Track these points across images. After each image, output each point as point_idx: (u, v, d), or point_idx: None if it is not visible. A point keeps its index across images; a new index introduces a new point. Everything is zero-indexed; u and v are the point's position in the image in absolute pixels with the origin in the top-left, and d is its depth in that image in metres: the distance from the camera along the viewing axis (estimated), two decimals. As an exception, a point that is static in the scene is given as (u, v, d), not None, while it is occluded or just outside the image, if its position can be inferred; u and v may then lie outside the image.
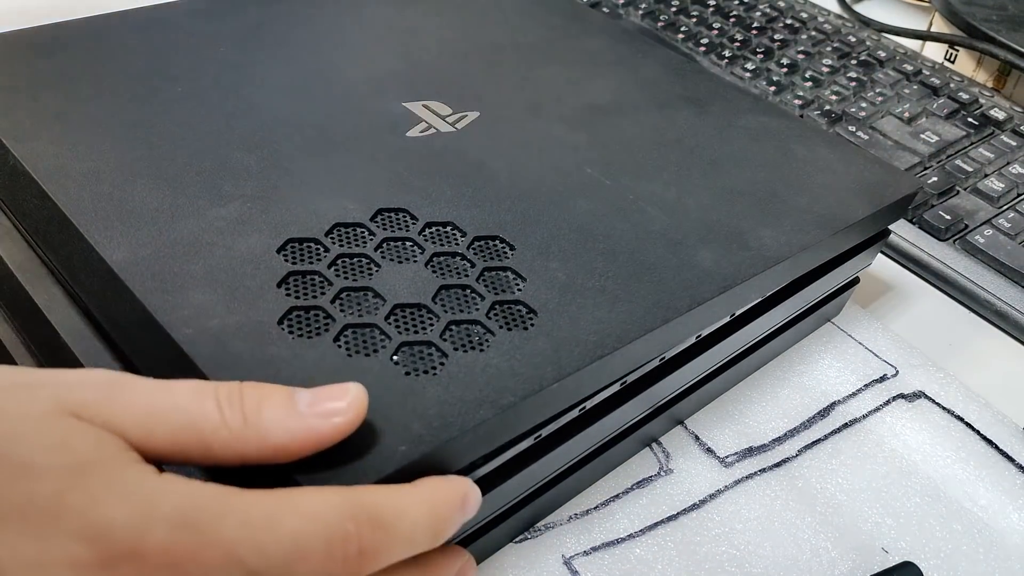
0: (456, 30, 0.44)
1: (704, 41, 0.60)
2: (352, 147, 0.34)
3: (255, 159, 0.32)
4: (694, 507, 0.34)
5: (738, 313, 0.34)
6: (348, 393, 0.23)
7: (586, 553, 0.32)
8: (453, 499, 0.24)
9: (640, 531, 0.33)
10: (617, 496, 0.34)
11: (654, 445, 0.36)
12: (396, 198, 0.32)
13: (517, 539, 0.32)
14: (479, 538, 0.29)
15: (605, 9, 0.64)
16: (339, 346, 0.26)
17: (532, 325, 0.28)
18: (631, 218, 0.33)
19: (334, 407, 0.22)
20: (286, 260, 0.28)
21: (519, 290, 0.29)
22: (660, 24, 0.62)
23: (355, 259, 0.29)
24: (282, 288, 0.27)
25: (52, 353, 0.31)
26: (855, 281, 0.42)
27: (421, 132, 0.36)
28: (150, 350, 0.26)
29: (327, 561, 0.21)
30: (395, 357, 0.26)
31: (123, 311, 0.26)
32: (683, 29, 0.61)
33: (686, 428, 0.37)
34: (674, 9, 0.64)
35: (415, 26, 0.44)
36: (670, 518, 0.33)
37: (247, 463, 0.22)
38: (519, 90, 0.40)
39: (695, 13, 0.63)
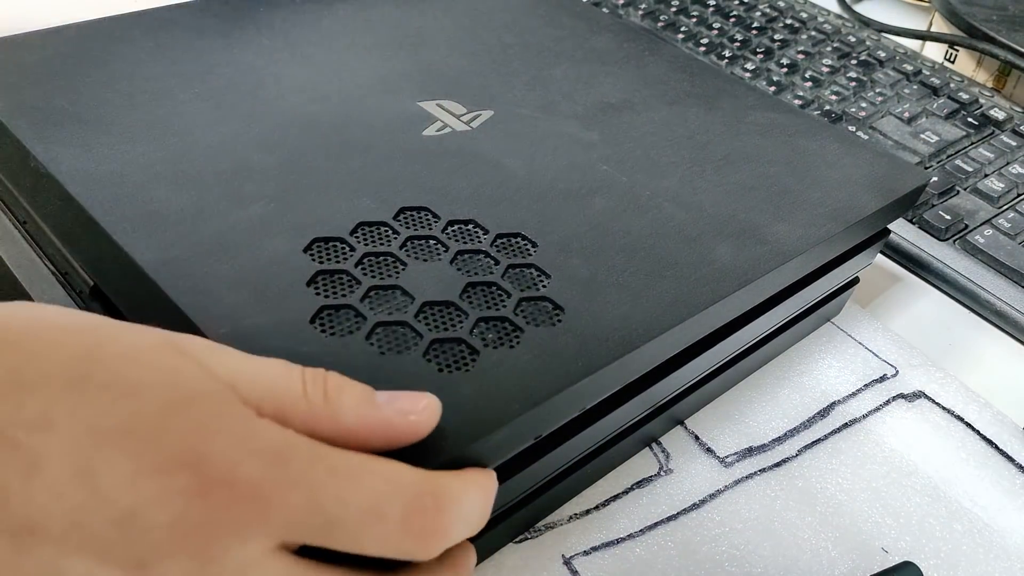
0: (466, 30, 0.44)
1: (704, 41, 0.60)
2: (369, 147, 0.34)
3: (274, 160, 0.32)
4: (694, 507, 0.34)
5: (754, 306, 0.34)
6: (423, 399, 0.23)
7: (586, 553, 0.32)
8: (492, 487, 0.24)
9: (640, 531, 0.33)
10: (617, 496, 0.34)
11: (654, 445, 0.36)
12: (417, 196, 0.32)
13: (517, 539, 0.32)
14: (480, 537, 0.29)
15: (605, 9, 0.64)
16: (371, 344, 0.26)
17: (559, 321, 0.28)
18: (648, 215, 0.33)
19: (410, 406, 0.23)
20: (313, 259, 0.28)
21: (544, 287, 0.29)
22: (660, 24, 0.62)
23: (381, 257, 0.29)
24: (311, 287, 0.27)
25: None
26: (855, 281, 0.42)
27: (437, 131, 0.36)
28: None
29: (402, 528, 0.21)
30: (427, 354, 0.26)
31: (156, 312, 0.27)
32: (683, 29, 0.61)
33: (686, 428, 0.37)
34: (674, 9, 0.64)
35: (426, 26, 0.44)
36: (670, 518, 0.33)
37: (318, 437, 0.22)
38: (531, 89, 0.40)
39: (695, 13, 0.63)
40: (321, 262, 0.28)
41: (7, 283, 0.32)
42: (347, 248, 0.29)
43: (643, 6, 0.64)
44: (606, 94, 0.41)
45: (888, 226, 0.40)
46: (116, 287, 0.28)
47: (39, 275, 0.31)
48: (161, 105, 0.35)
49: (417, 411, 0.23)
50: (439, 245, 0.30)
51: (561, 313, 0.28)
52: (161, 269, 0.27)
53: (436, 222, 0.31)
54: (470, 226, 0.31)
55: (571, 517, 0.33)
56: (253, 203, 0.30)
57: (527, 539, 0.32)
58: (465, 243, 0.30)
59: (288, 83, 0.37)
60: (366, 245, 0.29)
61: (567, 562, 0.31)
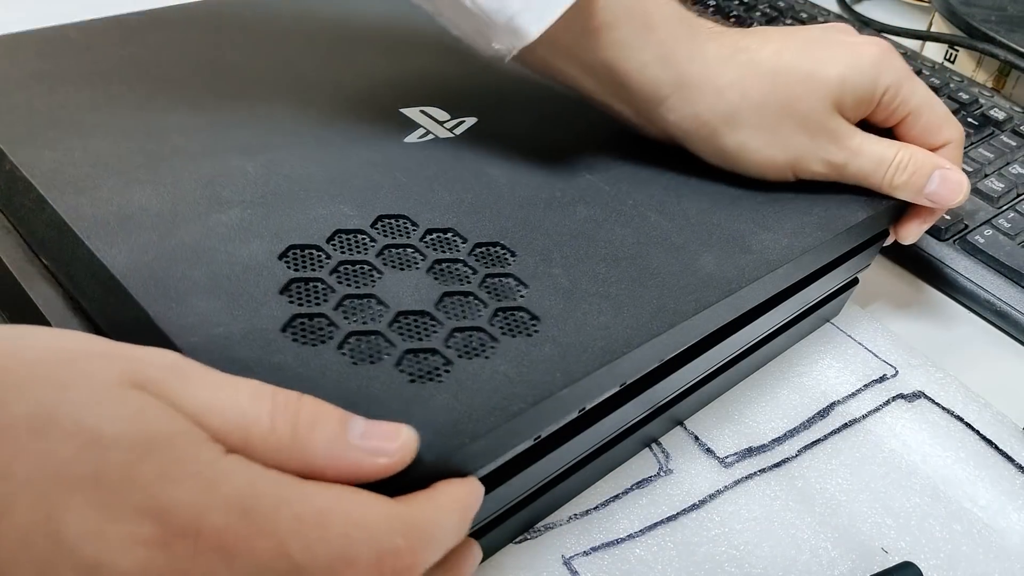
0: (449, 37, 0.44)
1: (704, 41, 0.60)
2: (350, 153, 0.34)
3: (254, 165, 0.32)
4: (694, 507, 0.34)
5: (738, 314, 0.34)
6: (400, 436, 0.23)
7: (586, 553, 0.32)
8: (472, 501, 0.24)
9: (640, 531, 0.33)
10: (617, 496, 0.34)
11: (654, 445, 0.36)
12: (396, 205, 0.32)
13: (517, 539, 0.32)
14: (479, 538, 0.29)
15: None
16: (343, 354, 0.26)
17: (536, 332, 0.28)
18: (632, 224, 0.33)
19: (383, 447, 0.22)
20: (288, 267, 0.28)
21: (521, 296, 0.29)
22: (660, 24, 0.62)
23: (357, 266, 0.29)
24: (285, 295, 0.27)
25: None
26: (854, 282, 0.42)
27: (419, 138, 0.36)
28: None
29: (374, 571, 0.21)
30: (400, 365, 0.26)
31: (126, 318, 0.26)
32: (683, 29, 0.61)
33: (686, 428, 0.37)
34: (674, 9, 0.64)
35: (412, 32, 0.44)
36: (670, 518, 0.33)
37: (284, 472, 0.22)
38: (515, 95, 0.40)
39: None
40: (296, 269, 0.28)
41: (5, 283, 0.32)
42: (323, 255, 0.29)
43: (643, 6, 0.64)
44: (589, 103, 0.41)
45: (887, 228, 0.40)
46: (89, 294, 0.28)
47: (37, 275, 0.31)
48: (142, 109, 0.34)
49: (390, 452, 0.22)
50: (416, 254, 0.30)
51: (538, 323, 0.28)
52: (132, 275, 0.26)
53: (414, 230, 0.31)
54: (449, 235, 0.31)
55: (571, 517, 0.33)
56: (230, 208, 0.30)
57: (527, 539, 0.32)
58: (443, 252, 0.30)
59: (271, 88, 0.37)
60: (342, 253, 0.29)
61: (567, 562, 0.31)
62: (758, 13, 0.64)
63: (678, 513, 0.34)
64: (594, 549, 0.32)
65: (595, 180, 0.35)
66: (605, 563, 0.32)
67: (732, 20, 0.63)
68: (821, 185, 0.37)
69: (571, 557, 0.32)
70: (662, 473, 0.35)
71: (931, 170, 0.37)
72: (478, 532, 0.29)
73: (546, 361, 0.27)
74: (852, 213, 0.36)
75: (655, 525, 0.33)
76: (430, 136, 0.36)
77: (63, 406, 0.20)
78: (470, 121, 0.37)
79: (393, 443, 0.22)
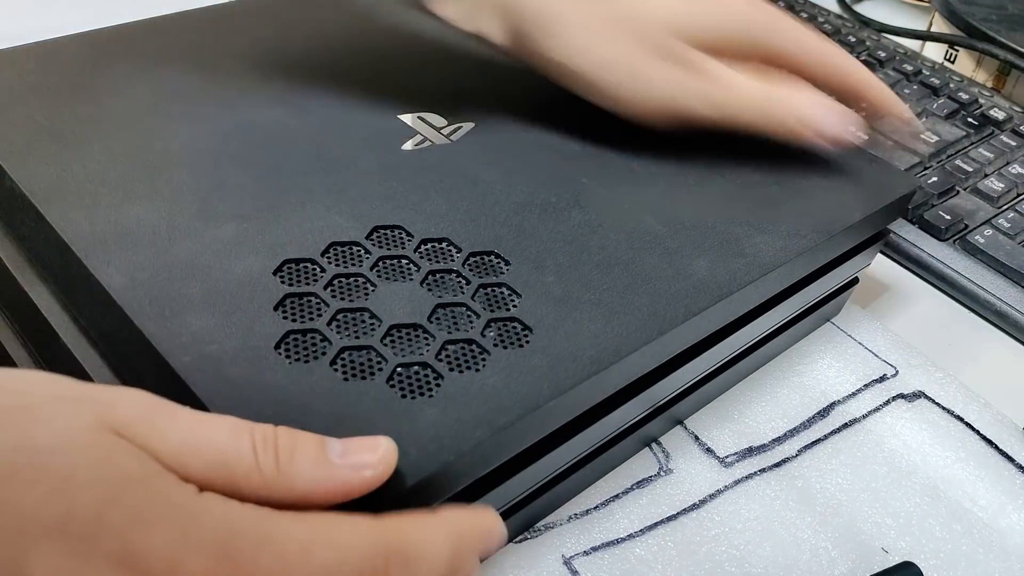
0: (449, 41, 0.44)
1: (704, 41, 0.60)
2: (347, 162, 0.34)
3: (250, 177, 0.32)
4: (694, 507, 0.34)
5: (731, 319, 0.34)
6: (379, 447, 0.23)
7: (586, 553, 0.32)
8: (475, 534, 0.24)
9: (640, 531, 0.33)
10: (617, 496, 0.34)
11: (654, 445, 0.36)
12: (391, 215, 0.32)
13: (517, 539, 0.32)
14: None
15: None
16: (336, 370, 0.26)
17: (528, 342, 0.28)
18: (626, 228, 0.33)
19: (365, 460, 0.22)
20: (283, 282, 0.28)
21: (514, 306, 0.29)
22: (660, 24, 0.62)
23: (351, 279, 0.29)
24: (279, 311, 0.27)
25: (52, 357, 0.31)
26: (854, 281, 0.42)
27: (416, 145, 0.36)
28: (149, 374, 0.26)
29: None
30: (391, 380, 0.26)
31: (122, 336, 0.27)
32: (683, 29, 0.61)
33: (686, 428, 0.37)
34: (674, 9, 0.64)
35: (408, 36, 0.44)
36: (670, 518, 0.33)
37: (271, 505, 0.22)
38: (514, 99, 0.40)
39: (695, 13, 0.63)
40: (290, 284, 0.28)
41: (6, 284, 0.32)
42: (318, 269, 0.29)
43: (643, 6, 0.64)
44: (589, 104, 0.40)
45: (887, 227, 0.40)
46: (85, 310, 0.28)
47: (37, 279, 0.31)
48: (140, 122, 0.34)
49: (373, 464, 0.22)
50: (411, 265, 0.30)
51: (530, 333, 0.28)
52: (128, 293, 0.27)
53: (409, 241, 0.31)
54: (443, 244, 0.31)
55: (571, 517, 0.33)
56: (226, 223, 0.30)
57: (527, 539, 0.32)
58: (437, 262, 0.30)
59: (268, 96, 0.37)
60: (337, 266, 0.29)
61: (567, 562, 0.31)
62: (758, 13, 0.64)
63: (678, 513, 0.34)
64: (594, 549, 0.32)
65: (591, 184, 0.35)
66: (605, 563, 0.32)
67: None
68: (818, 184, 0.37)
69: (571, 557, 0.32)
70: (662, 473, 0.35)
71: (819, 105, 0.36)
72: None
73: (535, 372, 0.27)
74: (849, 214, 0.36)
75: (655, 525, 0.33)
76: (427, 143, 0.36)
77: (28, 453, 0.19)
78: (468, 126, 0.37)
79: (374, 454, 0.22)
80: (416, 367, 0.26)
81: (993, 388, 0.40)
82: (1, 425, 0.20)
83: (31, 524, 0.19)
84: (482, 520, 0.24)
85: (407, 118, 0.37)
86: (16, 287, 0.31)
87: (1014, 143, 0.53)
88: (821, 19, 0.63)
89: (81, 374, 0.28)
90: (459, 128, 0.37)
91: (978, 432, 0.38)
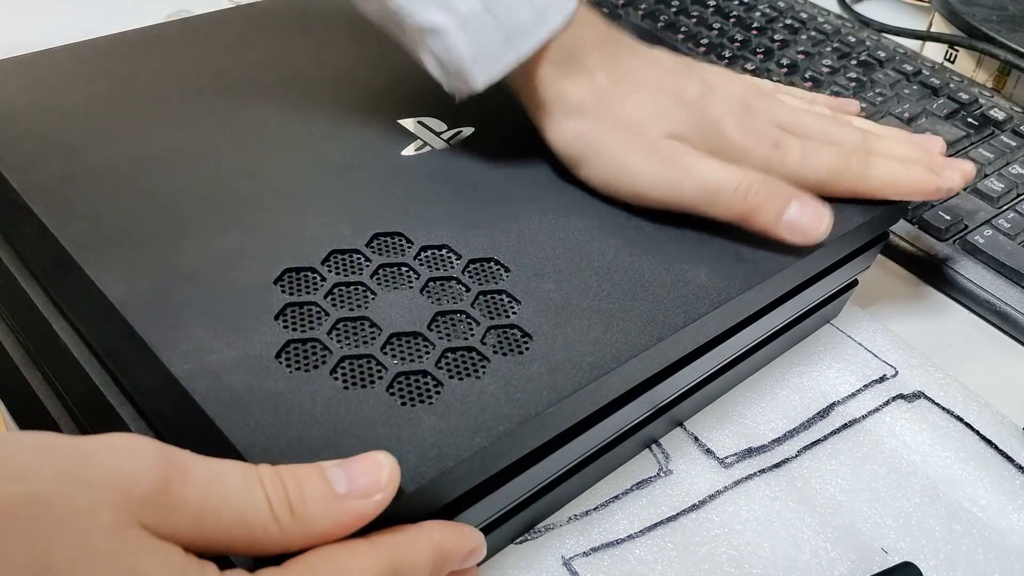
0: None
1: (704, 41, 0.60)
2: (348, 169, 0.34)
3: (252, 186, 0.32)
4: (694, 508, 0.34)
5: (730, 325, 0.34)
6: (384, 467, 0.23)
7: (586, 554, 0.32)
8: (459, 551, 0.24)
9: (640, 532, 0.33)
10: (617, 497, 0.34)
11: (654, 446, 0.36)
12: (392, 221, 0.32)
13: (517, 540, 0.32)
14: None
15: (605, 10, 0.64)
16: (336, 378, 0.26)
17: (527, 349, 0.28)
18: (625, 235, 0.33)
19: (373, 483, 0.22)
20: (283, 291, 0.28)
21: (514, 314, 0.29)
22: (660, 24, 0.62)
23: (351, 287, 0.29)
24: (279, 320, 0.27)
25: (54, 363, 0.31)
26: (854, 283, 0.42)
27: (416, 150, 0.36)
28: (150, 383, 0.26)
29: None
30: (391, 388, 0.26)
31: (124, 345, 0.27)
32: (683, 29, 0.61)
33: (685, 429, 0.37)
34: (674, 9, 0.64)
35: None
36: (670, 519, 0.33)
37: (289, 552, 0.22)
38: (514, 103, 0.40)
39: (695, 13, 0.63)
40: (291, 294, 0.28)
41: (8, 287, 0.32)
42: (318, 278, 0.29)
43: (643, 6, 0.64)
44: None
45: (887, 230, 0.40)
46: (88, 320, 0.28)
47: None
48: (143, 130, 0.34)
49: (383, 487, 0.22)
50: (411, 272, 0.30)
51: (530, 340, 0.28)
52: (130, 303, 0.27)
53: (409, 248, 0.31)
54: (443, 251, 0.31)
55: (571, 518, 0.33)
56: (228, 233, 0.30)
57: (527, 540, 0.32)
58: (437, 270, 0.30)
59: (269, 103, 0.37)
60: (337, 274, 0.29)
61: (567, 563, 0.31)
62: (758, 13, 0.64)
63: (678, 513, 0.34)
64: (594, 550, 0.32)
65: (589, 189, 0.35)
66: (605, 563, 0.32)
67: (732, 20, 0.63)
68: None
69: (571, 558, 0.32)
70: (662, 474, 0.35)
71: (787, 199, 0.33)
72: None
73: (534, 379, 0.27)
74: (848, 218, 0.36)
75: (655, 525, 0.33)
76: (427, 148, 0.36)
77: (58, 563, 0.19)
78: (467, 131, 0.37)
79: (380, 475, 0.22)
80: (416, 375, 0.26)
81: (993, 388, 0.40)
82: (18, 534, 0.19)
83: None
84: (467, 540, 0.25)
85: (407, 123, 0.37)
86: (19, 294, 0.31)
87: (1014, 143, 0.53)
88: (821, 19, 0.63)
89: (83, 380, 0.28)
90: (459, 133, 0.37)
91: (978, 432, 0.38)
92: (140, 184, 0.32)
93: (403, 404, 0.25)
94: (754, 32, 0.62)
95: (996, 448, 0.38)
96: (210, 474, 0.21)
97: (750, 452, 0.36)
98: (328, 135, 0.36)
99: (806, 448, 0.37)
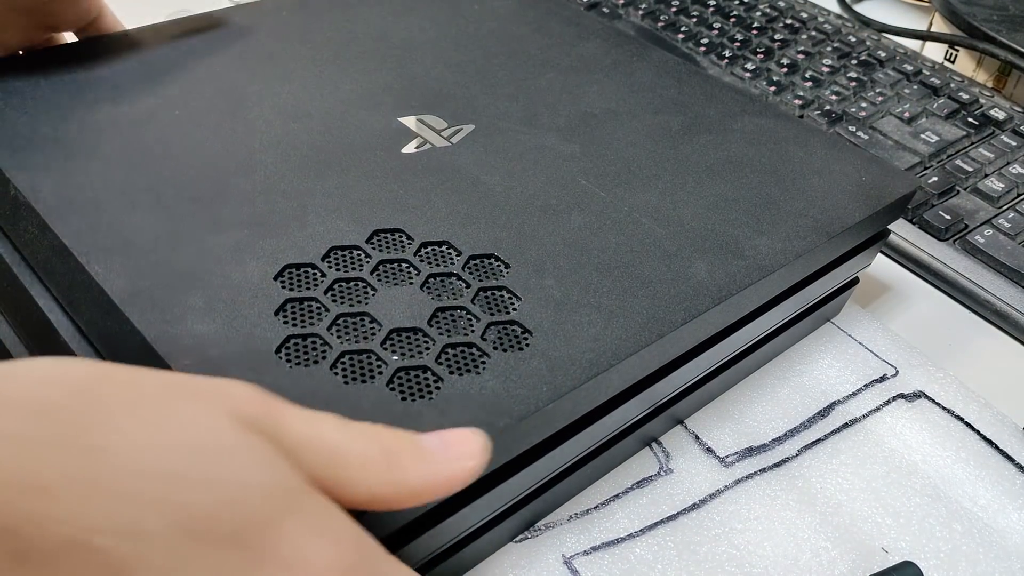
0: (452, 39, 0.44)
1: (704, 41, 0.60)
2: (348, 166, 0.34)
3: (252, 183, 0.32)
4: (694, 507, 0.34)
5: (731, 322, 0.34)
6: (476, 437, 0.23)
7: (586, 553, 0.32)
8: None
9: (640, 531, 0.33)
10: (617, 496, 0.34)
11: (654, 445, 0.36)
12: (392, 218, 0.32)
13: (517, 539, 0.32)
14: (479, 537, 0.29)
15: (605, 9, 0.64)
16: (336, 373, 0.26)
17: (527, 345, 0.28)
18: (626, 231, 0.33)
19: (466, 450, 0.22)
20: (283, 287, 0.28)
21: (514, 310, 0.29)
22: (660, 24, 0.62)
23: (351, 283, 0.29)
24: (279, 316, 0.27)
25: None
26: (854, 281, 0.42)
27: (416, 148, 0.36)
28: None
29: None
30: (391, 383, 0.26)
31: (124, 341, 0.27)
32: (683, 29, 0.61)
33: (686, 428, 0.37)
34: (674, 9, 0.64)
35: (409, 38, 0.44)
36: (670, 518, 0.33)
37: (374, 507, 0.22)
38: (514, 100, 0.40)
39: (695, 13, 0.63)
40: (291, 289, 0.28)
41: (4, 279, 0.32)
42: (318, 274, 0.29)
43: (643, 6, 0.64)
44: (590, 104, 0.41)
45: (887, 227, 0.40)
46: (88, 317, 0.28)
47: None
48: (143, 128, 0.34)
49: (475, 455, 0.22)
50: (411, 268, 0.30)
51: (530, 336, 0.28)
52: (131, 299, 0.27)
53: (409, 244, 0.31)
54: (443, 248, 0.31)
55: (571, 517, 0.33)
56: (228, 230, 0.30)
57: (527, 539, 0.32)
58: (437, 266, 0.30)
59: (270, 101, 0.37)
60: (337, 270, 0.29)
61: (567, 562, 0.31)
62: (758, 13, 0.64)
63: (678, 512, 0.34)
64: (594, 548, 0.32)
65: (591, 186, 0.35)
66: (605, 562, 0.32)
67: (732, 20, 0.63)
68: (817, 185, 0.37)
69: (571, 556, 0.32)
70: (662, 473, 0.35)
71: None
72: (478, 531, 0.29)
73: (534, 375, 0.27)
74: (849, 214, 0.36)
75: (655, 524, 0.33)
76: (427, 145, 0.36)
77: (187, 456, 0.19)
78: (468, 128, 0.37)
79: (475, 444, 0.23)
80: (416, 370, 0.26)
81: (993, 388, 0.40)
82: (149, 427, 0.19)
83: (199, 533, 0.18)
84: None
85: (407, 121, 0.37)
86: (19, 290, 0.31)
87: (1014, 143, 0.53)
88: (821, 19, 0.63)
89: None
90: (459, 130, 0.37)
91: (978, 432, 0.38)
92: (145, 180, 0.32)
93: (403, 399, 0.25)
94: (754, 32, 0.62)
95: (996, 448, 0.38)
96: (307, 413, 0.21)
97: (751, 451, 0.36)
98: (327, 132, 0.36)
99: (807, 447, 0.37)
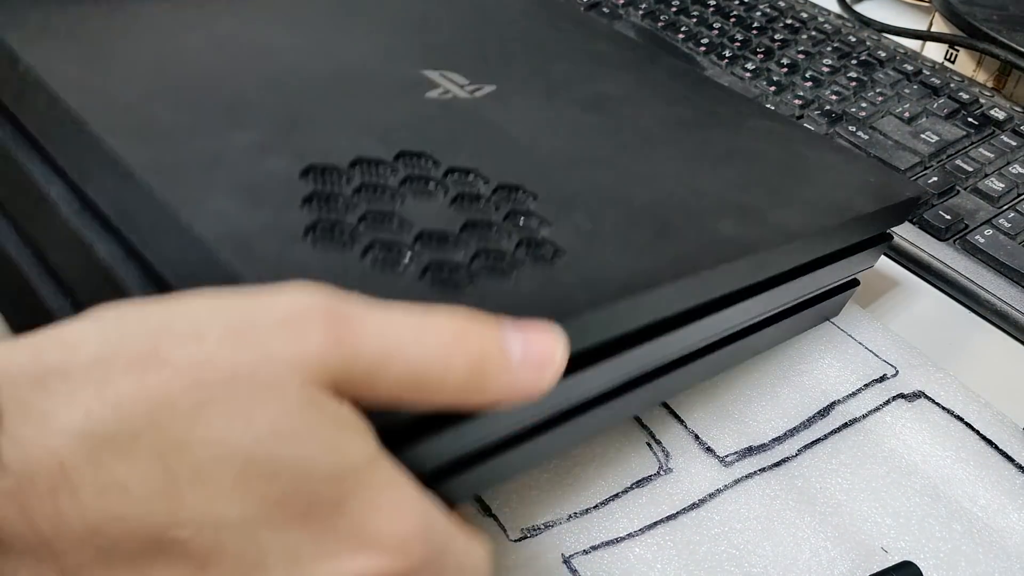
0: (468, 26, 0.44)
1: (704, 41, 0.60)
2: (373, 99, 0.34)
3: (274, 98, 0.32)
4: (694, 506, 0.34)
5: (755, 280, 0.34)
6: (558, 342, 0.22)
7: (585, 552, 0.32)
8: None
9: (640, 530, 0.33)
10: (617, 495, 0.34)
11: (653, 444, 0.36)
12: (418, 143, 0.31)
13: (516, 538, 0.32)
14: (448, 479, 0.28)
15: (605, 9, 0.64)
16: (366, 260, 0.25)
17: (559, 261, 0.28)
18: (650, 187, 0.33)
19: (548, 357, 0.22)
20: (308, 183, 0.28)
21: (545, 231, 0.29)
22: (660, 24, 0.62)
23: (379, 190, 0.28)
24: (306, 207, 0.26)
25: (48, 235, 0.30)
26: (855, 283, 0.42)
27: (440, 95, 0.36)
28: (173, 253, 0.25)
29: None
30: (423, 276, 0.25)
31: (145, 215, 0.26)
32: (683, 29, 0.61)
33: (686, 427, 0.37)
34: (674, 9, 0.64)
35: (429, 9, 0.44)
36: (670, 517, 0.33)
37: (451, 411, 0.22)
38: (533, 77, 0.40)
39: (695, 13, 0.63)
40: (318, 185, 0.27)
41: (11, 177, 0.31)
42: (344, 178, 0.28)
43: (643, 6, 0.64)
44: (606, 89, 0.41)
45: (890, 231, 0.40)
46: (105, 193, 0.27)
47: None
48: (168, 36, 0.34)
49: (555, 361, 0.22)
50: (439, 186, 0.29)
51: (562, 255, 0.28)
52: (153, 172, 0.26)
53: (436, 168, 0.30)
54: (470, 176, 0.30)
55: (570, 516, 0.33)
56: (250, 129, 0.29)
57: (526, 538, 0.32)
58: (464, 188, 0.30)
59: (293, 43, 0.37)
60: (364, 177, 0.29)
61: (566, 561, 0.31)
62: (758, 13, 0.64)
63: (678, 512, 0.34)
64: (594, 548, 0.32)
65: (613, 150, 0.35)
66: (605, 562, 0.32)
67: (732, 20, 0.63)
68: (828, 181, 0.38)
69: (571, 556, 0.32)
70: (662, 472, 0.35)
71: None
72: (441, 474, 0.27)
73: (570, 286, 0.27)
74: (859, 206, 0.36)
75: (655, 524, 0.33)
76: (450, 94, 0.36)
77: (258, 445, 0.19)
78: (488, 88, 0.37)
79: (556, 350, 0.22)
80: (449, 266, 0.26)
81: (993, 388, 0.40)
82: (219, 409, 0.19)
83: (278, 518, 0.19)
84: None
85: (429, 73, 0.37)
86: (13, 167, 0.30)
87: (1014, 143, 0.53)
88: (821, 19, 0.63)
89: (85, 252, 0.28)
90: (479, 88, 0.37)
91: (978, 432, 0.38)
92: (165, 82, 0.31)
93: (435, 289, 0.25)
94: (754, 32, 0.62)
95: (996, 448, 0.38)
96: (384, 321, 0.21)
97: (750, 451, 0.36)
98: (352, 72, 0.35)
99: (806, 447, 0.37)
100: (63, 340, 0.19)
